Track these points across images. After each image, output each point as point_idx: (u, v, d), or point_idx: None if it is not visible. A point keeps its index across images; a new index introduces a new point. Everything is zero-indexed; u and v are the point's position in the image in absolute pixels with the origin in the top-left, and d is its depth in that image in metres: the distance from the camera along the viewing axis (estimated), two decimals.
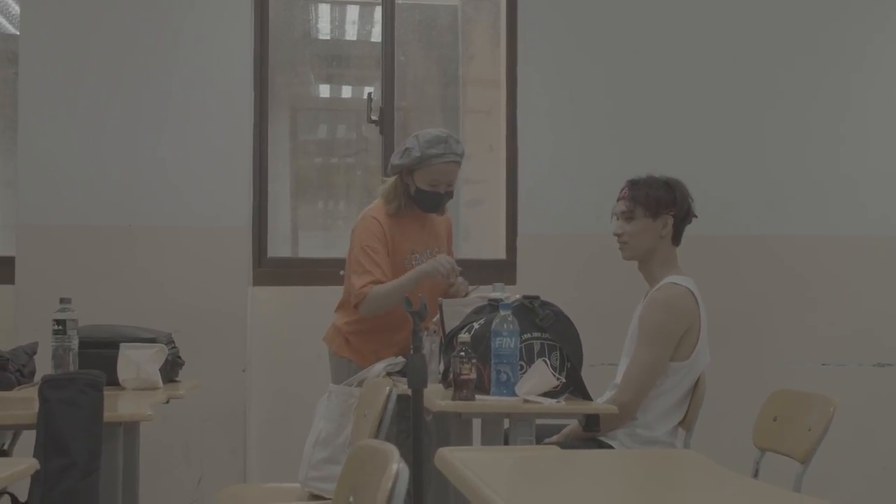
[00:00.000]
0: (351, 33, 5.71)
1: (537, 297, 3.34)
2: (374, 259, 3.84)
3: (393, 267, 3.89)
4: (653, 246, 3.57)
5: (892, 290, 5.10)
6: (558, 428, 3.53)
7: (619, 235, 3.61)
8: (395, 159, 3.94)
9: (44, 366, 3.52)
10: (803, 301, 5.04)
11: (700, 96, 5.05)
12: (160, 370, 3.61)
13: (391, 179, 3.96)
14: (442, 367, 3.47)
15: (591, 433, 3.33)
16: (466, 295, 3.88)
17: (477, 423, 3.43)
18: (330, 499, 3.17)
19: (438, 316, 3.70)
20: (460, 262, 4.56)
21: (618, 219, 3.63)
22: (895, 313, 5.08)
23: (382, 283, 3.81)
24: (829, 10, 5.14)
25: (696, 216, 3.63)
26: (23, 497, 2.94)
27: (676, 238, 3.60)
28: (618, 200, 3.63)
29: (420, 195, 3.92)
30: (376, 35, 5.22)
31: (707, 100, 5.05)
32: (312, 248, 5.45)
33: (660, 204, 3.56)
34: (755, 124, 5.08)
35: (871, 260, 5.10)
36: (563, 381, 3.21)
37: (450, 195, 3.98)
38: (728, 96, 5.06)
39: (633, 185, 3.62)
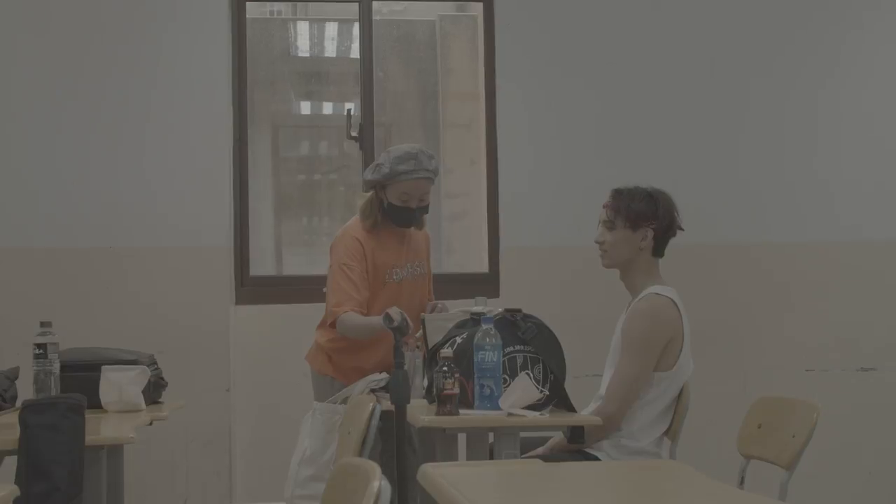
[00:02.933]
0: (330, 50, 5.72)
1: (519, 310, 3.34)
2: (350, 278, 3.84)
3: (374, 282, 3.89)
4: (632, 257, 3.57)
5: (873, 294, 5.12)
6: (543, 440, 3.53)
7: (599, 244, 3.61)
8: (367, 175, 3.96)
9: (25, 390, 3.50)
10: (785, 308, 5.06)
11: (677, 107, 5.07)
12: (143, 392, 3.59)
13: (368, 195, 3.97)
14: (426, 383, 3.46)
15: (576, 445, 3.32)
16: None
17: (462, 438, 3.43)
18: None
19: (421, 331, 3.70)
20: (442, 277, 4.60)
21: (601, 226, 3.63)
22: (877, 318, 5.10)
23: (359, 301, 3.81)
24: (802, 17, 5.16)
25: (681, 229, 3.62)
26: None
27: (658, 250, 3.59)
28: (602, 207, 3.63)
29: (392, 210, 3.92)
30: (355, 51, 5.23)
31: (684, 110, 5.07)
32: (296, 264, 5.44)
33: (640, 217, 3.55)
34: (732, 133, 5.10)
35: (851, 265, 5.12)
36: (547, 393, 3.21)
37: (424, 210, 3.97)
38: (705, 106, 5.08)
39: (617, 194, 3.61)
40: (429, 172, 3.90)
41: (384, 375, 3.51)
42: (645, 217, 3.55)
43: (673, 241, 3.64)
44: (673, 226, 3.60)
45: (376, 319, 3.54)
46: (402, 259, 3.98)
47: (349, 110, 5.09)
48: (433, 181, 3.96)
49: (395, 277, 3.94)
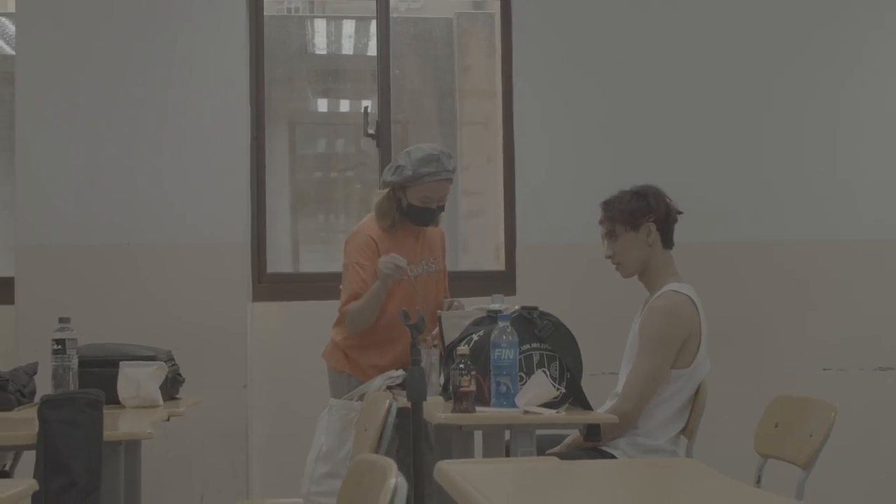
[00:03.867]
0: (347, 47, 5.72)
1: (536, 308, 3.34)
2: (361, 276, 3.89)
3: None
4: (645, 256, 3.58)
5: (891, 293, 5.08)
6: (560, 438, 3.53)
7: (610, 257, 3.62)
8: (388, 176, 3.96)
9: (44, 386, 3.52)
10: (803, 306, 5.03)
11: (695, 103, 5.04)
12: (160, 388, 3.60)
13: (383, 193, 3.97)
14: (442, 380, 3.46)
15: (593, 443, 3.32)
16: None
17: (478, 435, 3.43)
18: None
19: (437, 328, 3.71)
20: (459, 274, 4.60)
21: (605, 241, 3.64)
22: (895, 316, 5.07)
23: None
24: (823, 15, 5.13)
25: (680, 212, 3.63)
26: None
27: (666, 241, 3.60)
28: (599, 224, 3.65)
29: (412, 211, 3.95)
30: (372, 49, 5.23)
31: (702, 106, 5.05)
32: (313, 261, 5.45)
33: (635, 215, 3.56)
34: (750, 130, 5.08)
35: (870, 264, 5.09)
36: (563, 391, 3.21)
37: (441, 209, 4.01)
38: (723, 102, 5.06)
39: (606, 205, 3.64)
40: (450, 173, 3.95)
41: (401, 372, 3.52)
42: (641, 213, 3.57)
43: (691, 239, 3.64)
44: (671, 212, 3.61)
45: (375, 285, 3.75)
46: (416, 256, 3.99)
47: (366, 108, 5.09)
48: (452, 181, 3.98)
49: (409, 275, 3.95)
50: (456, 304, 3.92)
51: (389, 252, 3.91)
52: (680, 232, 3.65)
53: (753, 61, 5.09)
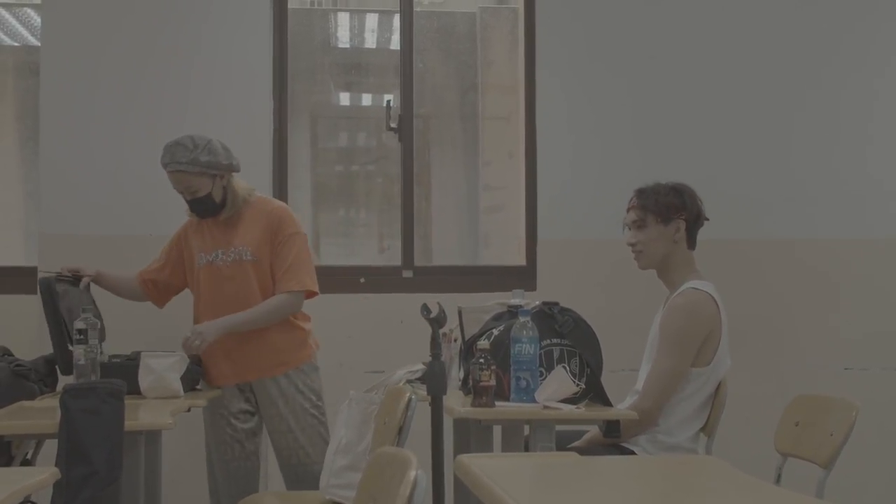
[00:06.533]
0: (370, 41, 5.72)
1: (556, 304, 3.34)
2: None
3: (191, 265, 4.09)
4: (668, 252, 3.56)
5: None
6: (579, 434, 3.53)
7: (632, 245, 3.61)
8: None
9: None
10: (825, 304, 5.01)
11: (721, 99, 5.02)
12: (181, 378, 3.62)
13: None
14: (462, 374, 3.47)
15: (612, 439, 3.31)
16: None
17: (498, 430, 3.43)
18: None
19: (458, 322, 3.72)
20: (479, 269, 4.59)
21: (629, 229, 3.62)
22: None
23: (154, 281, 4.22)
24: (856, 11, 5.10)
25: (707, 219, 3.62)
26: None
27: (691, 242, 3.59)
28: (627, 211, 3.63)
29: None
30: (395, 43, 5.23)
31: (728, 102, 5.02)
32: (333, 255, 5.46)
33: (670, 209, 3.55)
34: (778, 126, 5.05)
35: (894, 262, 5.06)
36: (583, 387, 3.21)
37: (201, 202, 3.99)
38: (751, 97, 5.03)
39: (641, 193, 3.61)
40: (173, 164, 3.92)
41: (420, 366, 3.53)
42: (675, 208, 3.55)
43: (716, 235, 3.63)
44: (701, 215, 3.60)
45: None
46: (210, 246, 4.05)
47: (388, 101, 5.10)
48: (188, 172, 3.93)
49: (202, 263, 4.04)
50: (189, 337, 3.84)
51: (188, 238, 4.12)
52: (705, 228, 3.64)
53: (784, 56, 5.06)
